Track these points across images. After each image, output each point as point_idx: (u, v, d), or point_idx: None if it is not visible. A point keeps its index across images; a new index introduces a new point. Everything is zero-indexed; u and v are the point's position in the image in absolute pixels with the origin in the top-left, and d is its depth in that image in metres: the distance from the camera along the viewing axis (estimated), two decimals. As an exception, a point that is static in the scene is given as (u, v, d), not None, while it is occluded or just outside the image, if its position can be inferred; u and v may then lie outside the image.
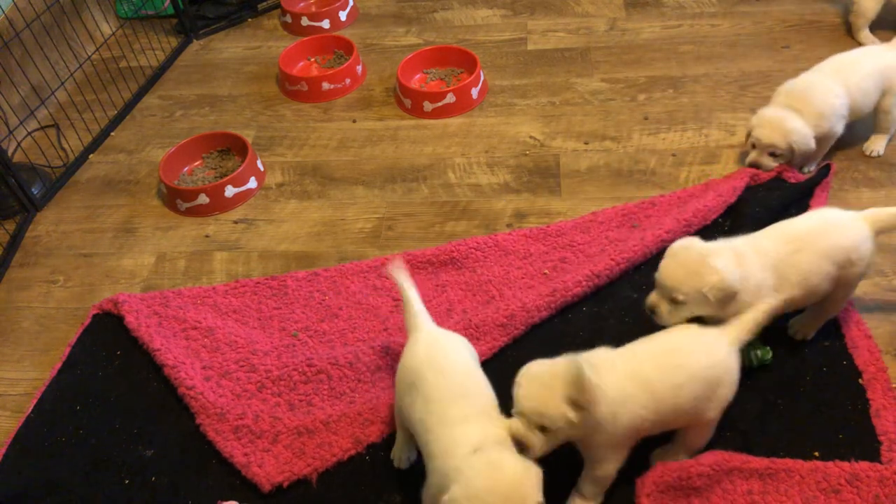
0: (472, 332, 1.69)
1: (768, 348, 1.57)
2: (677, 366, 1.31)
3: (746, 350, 1.54)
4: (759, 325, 1.39)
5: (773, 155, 1.96)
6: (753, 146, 1.98)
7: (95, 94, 2.66)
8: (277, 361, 1.70)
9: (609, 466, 1.33)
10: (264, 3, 3.15)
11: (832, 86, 1.95)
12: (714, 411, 1.35)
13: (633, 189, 2.10)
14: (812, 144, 1.92)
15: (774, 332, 1.60)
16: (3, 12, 2.49)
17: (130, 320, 1.82)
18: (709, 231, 1.88)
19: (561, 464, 1.32)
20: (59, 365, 1.79)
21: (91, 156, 2.50)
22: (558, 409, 1.20)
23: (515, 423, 1.23)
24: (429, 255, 1.92)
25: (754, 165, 1.99)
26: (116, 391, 1.72)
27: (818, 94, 1.94)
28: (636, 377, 1.29)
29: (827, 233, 1.47)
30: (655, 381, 1.29)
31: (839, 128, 1.98)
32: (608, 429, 1.26)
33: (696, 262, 1.37)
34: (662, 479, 1.36)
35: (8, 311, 1.99)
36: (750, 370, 1.55)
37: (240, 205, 2.22)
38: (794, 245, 1.45)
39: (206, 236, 2.13)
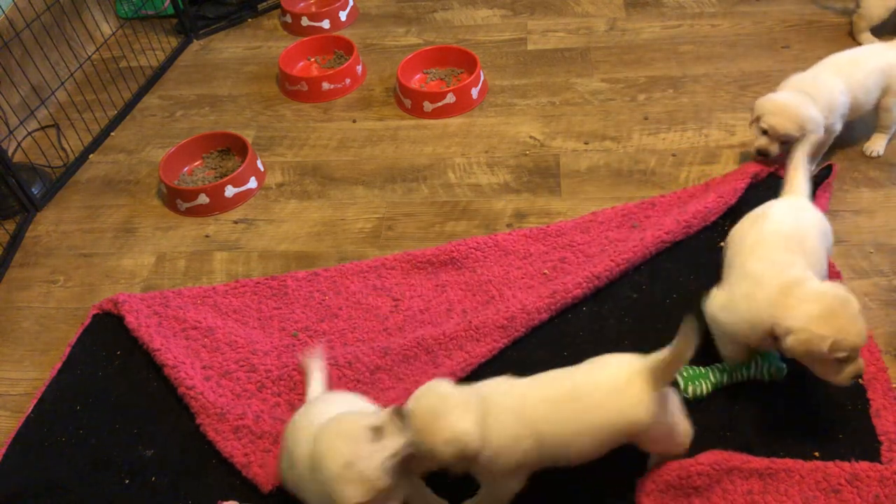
0: (472, 334, 1.70)
1: (784, 366, 1.52)
2: (575, 414, 1.22)
3: (761, 364, 1.53)
4: (683, 354, 1.20)
5: (783, 142, 1.92)
6: (765, 132, 1.93)
7: (95, 94, 2.66)
8: (277, 361, 1.70)
9: (500, 492, 1.27)
10: (264, 3, 3.15)
11: (836, 82, 1.95)
12: (652, 443, 1.29)
13: (633, 189, 2.10)
14: (822, 131, 1.90)
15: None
16: (3, 12, 2.49)
17: (130, 320, 1.82)
18: (709, 232, 1.88)
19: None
20: (59, 365, 1.79)
21: (91, 156, 2.50)
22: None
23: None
24: (429, 255, 1.93)
25: (762, 151, 1.95)
26: (116, 391, 1.72)
27: (823, 89, 1.93)
28: (524, 420, 1.21)
29: (810, 220, 1.53)
30: (545, 428, 1.21)
31: (839, 125, 1.97)
32: (486, 466, 1.21)
33: None
34: (662, 478, 1.36)
35: (8, 311, 1.99)
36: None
37: (240, 205, 2.22)
38: (799, 239, 1.48)
39: (206, 236, 2.13)
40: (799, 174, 1.64)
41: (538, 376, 1.29)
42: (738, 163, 2.12)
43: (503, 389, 1.26)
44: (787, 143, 1.92)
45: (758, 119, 1.93)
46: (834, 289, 1.33)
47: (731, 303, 1.44)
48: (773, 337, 1.35)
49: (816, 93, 1.92)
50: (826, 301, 1.30)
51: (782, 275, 1.39)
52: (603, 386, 1.24)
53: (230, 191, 2.19)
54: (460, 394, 1.21)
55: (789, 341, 1.30)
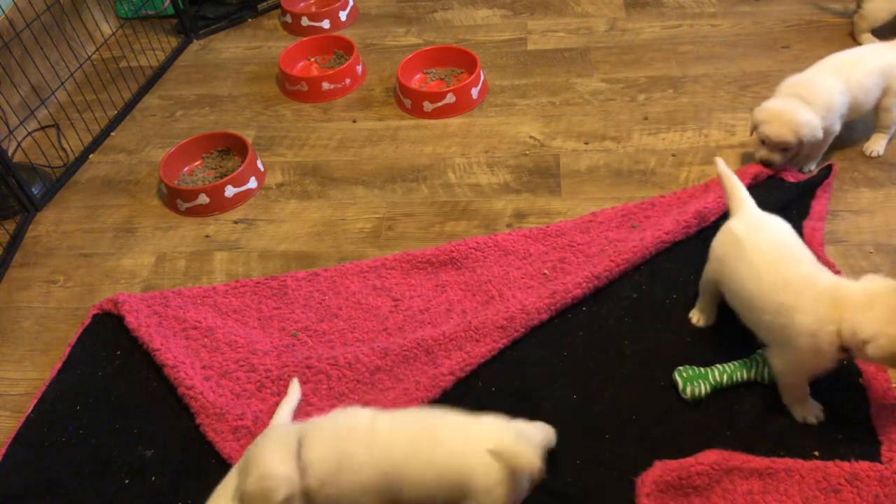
0: (471, 335, 1.70)
1: None
2: (420, 453, 1.24)
3: (761, 365, 1.52)
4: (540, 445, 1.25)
5: (783, 150, 1.93)
6: (763, 142, 1.94)
7: (95, 94, 2.66)
8: (277, 361, 1.70)
9: None
10: (264, 3, 3.15)
11: (835, 82, 1.94)
12: None
13: (633, 189, 2.10)
14: (821, 134, 1.90)
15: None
16: (3, 12, 2.49)
17: (130, 320, 1.82)
18: (709, 232, 1.87)
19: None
20: (59, 365, 1.79)
21: (91, 156, 2.50)
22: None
23: None
24: (429, 255, 1.93)
25: (765, 163, 1.95)
26: (116, 391, 1.72)
27: (822, 90, 1.93)
28: (378, 452, 1.24)
29: (777, 224, 1.52)
30: (399, 462, 1.23)
31: (838, 126, 1.97)
32: (321, 500, 1.24)
33: None
34: (662, 478, 1.36)
35: (8, 311, 1.99)
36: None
37: (240, 205, 2.22)
38: (785, 244, 1.47)
39: (206, 236, 2.13)
40: (735, 188, 1.60)
41: (411, 412, 1.36)
42: (738, 163, 2.12)
43: (326, 421, 1.31)
44: (789, 151, 1.93)
45: (755, 128, 1.94)
46: (881, 283, 1.29)
47: (792, 349, 1.38)
48: (844, 349, 1.30)
49: (814, 93, 1.91)
50: (886, 300, 1.26)
51: (815, 286, 1.35)
52: (461, 433, 1.26)
53: (230, 191, 2.19)
54: (279, 432, 1.28)
55: (870, 350, 1.26)
